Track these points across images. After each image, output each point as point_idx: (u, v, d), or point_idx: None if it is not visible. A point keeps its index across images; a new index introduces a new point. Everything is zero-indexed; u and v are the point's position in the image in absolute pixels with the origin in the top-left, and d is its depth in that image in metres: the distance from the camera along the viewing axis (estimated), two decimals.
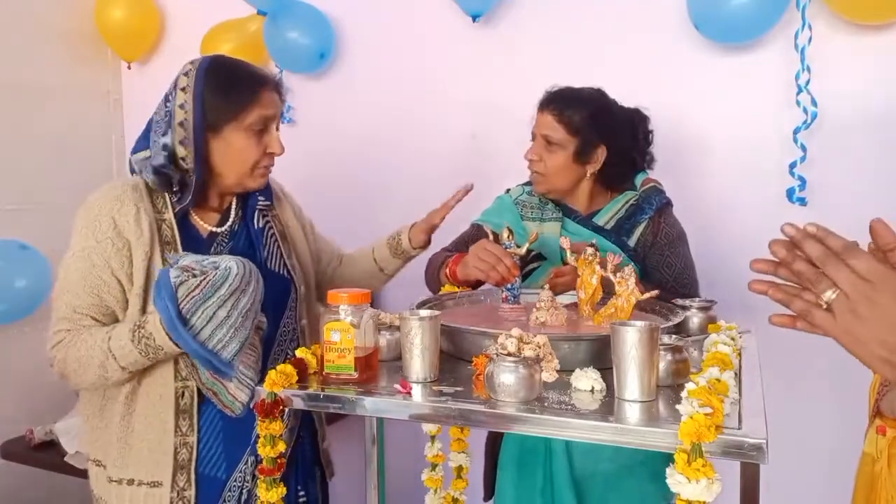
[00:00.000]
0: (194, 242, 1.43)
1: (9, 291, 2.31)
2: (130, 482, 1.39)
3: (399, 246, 1.69)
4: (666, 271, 1.64)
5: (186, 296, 1.24)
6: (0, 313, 2.33)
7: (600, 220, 1.69)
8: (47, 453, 2.20)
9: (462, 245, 1.78)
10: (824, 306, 0.76)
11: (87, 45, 2.76)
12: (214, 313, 1.24)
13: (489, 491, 1.69)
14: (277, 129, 1.48)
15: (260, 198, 1.52)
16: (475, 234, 1.78)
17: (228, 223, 1.48)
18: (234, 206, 1.50)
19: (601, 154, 1.65)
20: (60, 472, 2.15)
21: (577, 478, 1.47)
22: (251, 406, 1.19)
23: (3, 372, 2.43)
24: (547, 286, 1.43)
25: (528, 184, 1.78)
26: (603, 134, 1.64)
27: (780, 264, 0.78)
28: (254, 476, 1.40)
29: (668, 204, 1.71)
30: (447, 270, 1.61)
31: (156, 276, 1.33)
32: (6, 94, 2.51)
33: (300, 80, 2.64)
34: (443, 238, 1.85)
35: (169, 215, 1.41)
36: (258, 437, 1.37)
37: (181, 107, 1.37)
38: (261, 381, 1.08)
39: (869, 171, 1.93)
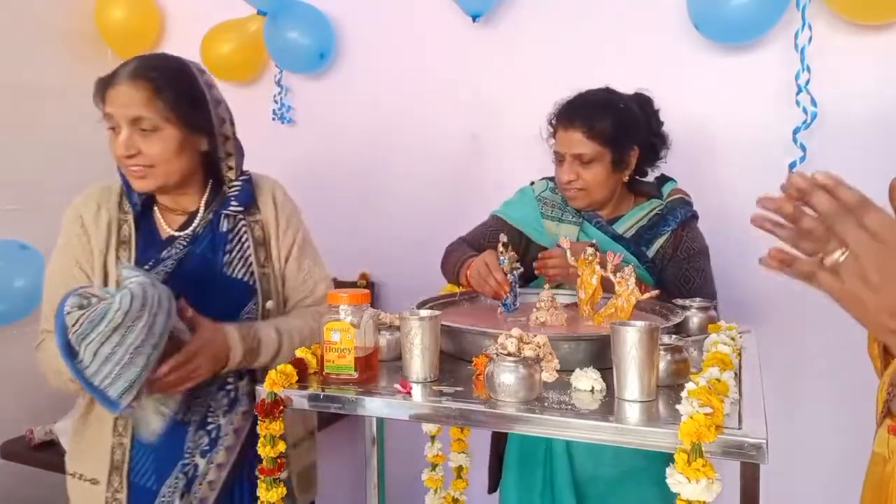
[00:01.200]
0: (151, 244, 1.42)
1: (8, 291, 2.31)
2: (80, 477, 1.42)
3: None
4: (683, 285, 1.59)
5: (72, 327, 1.17)
6: (0, 313, 2.33)
7: (621, 228, 1.65)
8: (47, 453, 2.20)
9: (479, 236, 1.75)
10: (831, 268, 0.67)
11: (87, 45, 2.76)
12: (98, 349, 1.15)
13: (493, 484, 1.69)
14: (160, 129, 1.34)
15: (233, 203, 1.45)
16: (493, 224, 1.76)
17: (192, 226, 1.43)
18: (201, 210, 1.45)
19: (634, 155, 1.63)
20: (60, 472, 2.12)
21: (578, 481, 1.47)
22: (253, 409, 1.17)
23: (3, 372, 2.43)
24: (547, 286, 1.43)
25: (552, 178, 1.74)
26: (632, 135, 1.61)
27: (783, 223, 0.70)
28: (182, 494, 1.36)
29: (693, 217, 1.67)
30: (466, 273, 1.58)
31: (112, 275, 1.36)
32: (6, 94, 2.50)
33: (300, 80, 2.64)
34: (463, 227, 1.84)
35: (131, 216, 1.42)
36: (190, 452, 1.36)
37: None
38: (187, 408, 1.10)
39: (869, 171, 1.91)
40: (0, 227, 2.40)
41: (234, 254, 1.44)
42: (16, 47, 2.54)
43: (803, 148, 1.95)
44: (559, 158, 1.64)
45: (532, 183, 1.80)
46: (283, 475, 1.42)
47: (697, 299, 1.39)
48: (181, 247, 1.41)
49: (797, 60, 1.94)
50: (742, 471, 1.01)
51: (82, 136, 2.76)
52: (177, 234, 1.43)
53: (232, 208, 1.44)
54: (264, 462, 1.08)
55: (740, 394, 0.98)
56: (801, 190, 0.68)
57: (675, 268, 1.61)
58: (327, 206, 2.64)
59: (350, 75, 2.57)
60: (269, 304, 1.45)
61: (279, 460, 1.08)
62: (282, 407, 1.06)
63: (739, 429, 0.85)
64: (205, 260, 1.41)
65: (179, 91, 1.36)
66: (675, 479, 0.81)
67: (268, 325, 1.40)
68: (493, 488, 1.71)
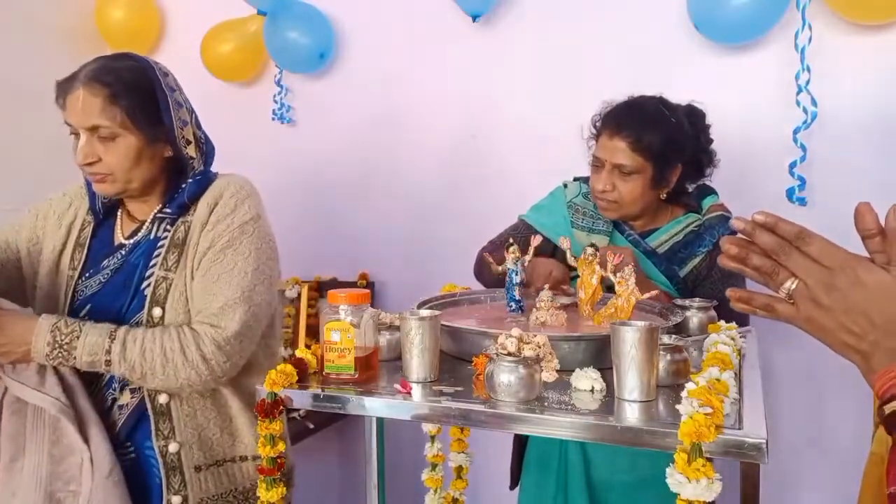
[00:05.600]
0: (103, 250, 1.41)
1: None
2: None
3: None
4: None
5: None
6: None
7: (654, 242, 1.59)
8: None
9: (505, 239, 1.72)
10: (786, 297, 0.74)
11: (87, 45, 2.76)
12: None
13: (515, 480, 1.69)
14: (117, 137, 1.31)
15: (167, 207, 1.39)
16: (521, 229, 1.70)
17: (139, 234, 1.40)
18: (149, 218, 1.41)
19: (676, 173, 1.57)
20: None
21: (593, 487, 1.45)
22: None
23: None
24: (547, 286, 1.42)
25: (586, 180, 1.67)
26: (679, 153, 1.54)
27: (743, 261, 0.76)
28: None
29: (733, 234, 1.62)
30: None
31: (63, 271, 1.40)
32: (6, 94, 2.50)
33: (300, 80, 2.64)
34: (462, 228, 1.83)
35: (92, 218, 1.44)
36: None
37: None
38: None
39: (869, 171, 1.93)
40: (0, 228, 2.40)
41: (157, 259, 1.37)
42: (16, 47, 2.54)
43: (803, 148, 1.95)
44: (597, 164, 1.57)
45: (565, 185, 1.73)
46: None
47: (697, 299, 1.39)
48: (119, 256, 1.39)
49: (797, 60, 1.94)
50: (742, 471, 1.02)
51: None
52: (124, 242, 1.41)
53: (165, 212, 1.39)
54: (264, 462, 1.08)
55: (740, 394, 0.98)
56: (744, 232, 0.75)
57: (710, 287, 1.54)
58: (327, 206, 2.64)
59: (350, 75, 2.57)
60: (157, 311, 1.32)
61: (279, 460, 1.08)
62: (281, 407, 1.06)
63: (739, 429, 0.85)
64: (134, 269, 1.36)
65: (137, 97, 1.32)
66: (675, 479, 0.82)
67: (104, 328, 1.27)
68: (514, 485, 1.71)
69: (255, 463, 1.37)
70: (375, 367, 1.11)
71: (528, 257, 1.43)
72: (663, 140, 1.51)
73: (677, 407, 0.86)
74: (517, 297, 1.41)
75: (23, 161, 2.54)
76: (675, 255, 1.57)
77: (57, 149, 2.67)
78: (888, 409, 0.67)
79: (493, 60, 2.35)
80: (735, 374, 1.01)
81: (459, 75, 2.40)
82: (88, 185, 1.43)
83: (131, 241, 1.40)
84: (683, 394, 0.87)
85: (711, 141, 1.63)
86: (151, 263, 1.36)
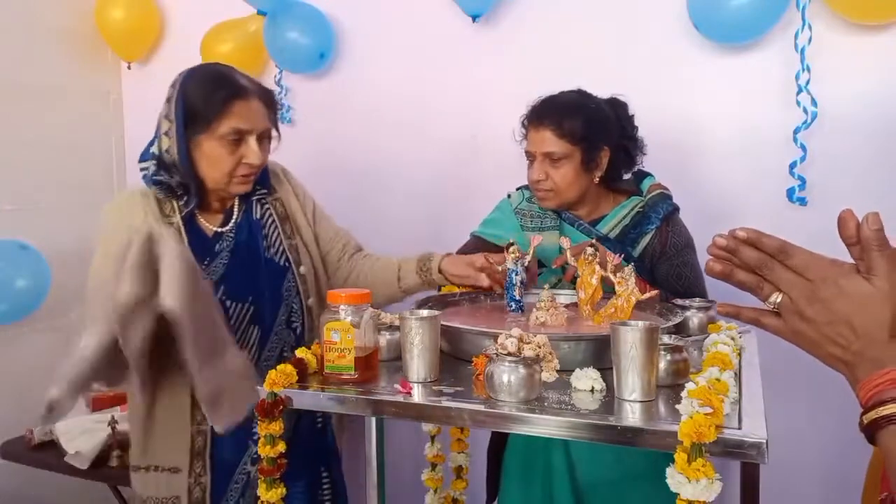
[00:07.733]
0: (201, 243, 1.50)
1: (9, 291, 2.31)
2: (156, 468, 1.47)
3: (428, 273, 1.63)
4: (675, 282, 1.59)
5: None
6: (0, 313, 2.33)
7: (604, 228, 1.65)
8: (47, 453, 2.20)
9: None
10: (772, 310, 0.75)
11: (87, 45, 2.76)
12: None
13: (492, 494, 1.68)
14: (268, 138, 1.54)
15: (258, 187, 1.58)
16: (475, 244, 1.75)
17: (232, 221, 1.55)
18: (236, 204, 1.57)
19: (605, 156, 1.63)
20: (60, 471, 2.15)
21: (579, 489, 1.45)
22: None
23: (4, 372, 2.43)
24: (547, 286, 1.42)
25: (528, 187, 1.74)
26: (603, 135, 1.61)
27: (728, 276, 0.76)
28: (254, 461, 1.45)
29: (676, 210, 1.67)
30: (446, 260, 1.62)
31: None
32: (6, 94, 2.51)
33: (300, 80, 2.64)
34: (462, 227, 1.85)
35: (177, 219, 1.50)
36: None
37: (166, 117, 1.46)
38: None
39: (869, 171, 1.93)
40: (0, 227, 2.40)
41: (270, 237, 1.58)
42: (16, 47, 2.54)
43: (803, 148, 1.95)
44: (530, 158, 1.66)
45: (509, 195, 1.80)
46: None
47: (697, 299, 1.39)
48: (230, 239, 1.52)
49: (797, 60, 1.94)
50: (742, 470, 1.02)
51: (82, 136, 2.78)
52: (221, 229, 1.54)
53: (259, 193, 1.59)
54: (264, 462, 1.08)
55: (740, 394, 0.98)
56: (726, 248, 0.75)
57: (667, 265, 1.61)
58: (328, 207, 2.63)
59: (350, 75, 2.57)
60: (302, 269, 1.60)
61: (279, 460, 1.08)
62: (282, 407, 1.06)
63: (739, 429, 0.86)
64: (249, 248, 1.54)
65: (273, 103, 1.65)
66: (675, 480, 0.82)
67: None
68: (491, 498, 1.70)
69: None
70: (375, 367, 1.12)
71: (528, 257, 1.43)
72: (584, 123, 1.58)
73: (677, 407, 0.86)
74: (517, 297, 1.41)
75: (23, 161, 2.54)
76: (626, 237, 1.63)
77: (57, 149, 2.69)
78: (866, 418, 0.67)
79: (494, 61, 2.35)
80: (735, 374, 1.01)
81: (459, 75, 2.40)
82: (162, 186, 1.48)
83: (229, 225, 1.55)
84: (683, 394, 0.87)
85: (636, 128, 1.70)
86: (271, 237, 1.58)
